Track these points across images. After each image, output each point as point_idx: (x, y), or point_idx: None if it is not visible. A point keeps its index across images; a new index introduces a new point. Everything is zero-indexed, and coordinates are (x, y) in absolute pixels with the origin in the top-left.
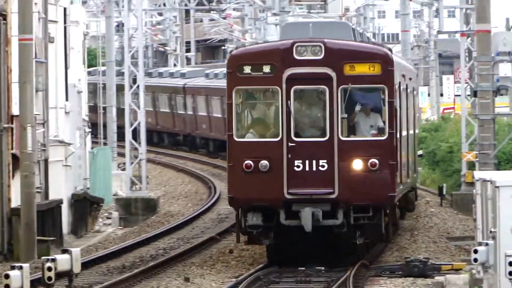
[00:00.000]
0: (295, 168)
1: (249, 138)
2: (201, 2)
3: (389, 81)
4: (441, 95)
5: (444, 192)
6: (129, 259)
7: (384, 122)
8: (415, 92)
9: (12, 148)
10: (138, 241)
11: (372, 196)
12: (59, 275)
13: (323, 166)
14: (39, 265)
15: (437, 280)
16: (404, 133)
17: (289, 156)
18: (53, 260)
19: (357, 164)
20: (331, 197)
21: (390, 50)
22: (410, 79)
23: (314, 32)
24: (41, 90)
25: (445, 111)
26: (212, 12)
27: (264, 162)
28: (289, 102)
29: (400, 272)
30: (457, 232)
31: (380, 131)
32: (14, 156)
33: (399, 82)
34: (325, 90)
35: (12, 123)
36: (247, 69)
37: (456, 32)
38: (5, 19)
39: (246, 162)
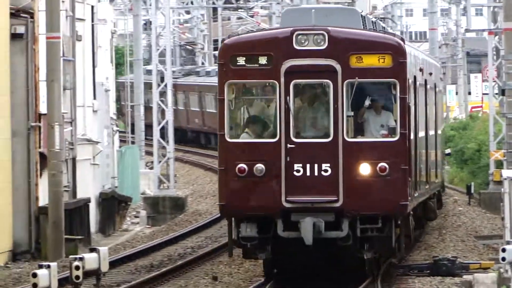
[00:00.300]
0: (295, 172)
1: (244, 138)
2: (229, 0)
3: (401, 75)
4: (469, 93)
5: (472, 191)
6: (157, 258)
7: (395, 121)
8: (437, 89)
9: (39, 147)
10: (166, 240)
11: (382, 204)
12: (87, 274)
13: (326, 171)
14: (66, 264)
15: (465, 279)
16: (421, 133)
17: (288, 159)
18: (81, 259)
19: (365, 169)
20: (335, 205)
21: (403, 39)
22: (431, 74)
23: (318, 19)
24: (68, 88)
25: (473, 109)
26: (239, 10)
27: (260, 166)
28: (288, 98)
29: (428, 271)
30: (485, 231)
31: (391, 131)
32: (41, 155)
33: (415, 77)
34: (328, 85)
35: (39, 122)
36: (241, 61)
37: (483, 30)
38: (32, 17)
39: (239, 165)
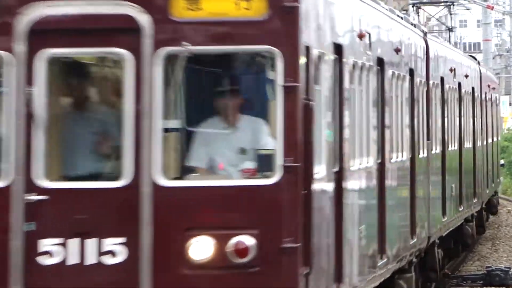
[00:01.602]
0: (42, 258)
1: None
2: None
3: (288, 37)
4: None
5: None
6: None
7: (274, 139)
8: (419, 80)
9: None
10: None
11: None
12: None
13: (114, 254)
14: None
15: None
16: (364, 163)
17: (28, 228)
18: None
19: (202, 249)
20: None
21: None
22: (398, 50)
23: None
24: None
25: None
26: None
27: None
28: (30, 89)
29: (481, 282)
30: None
31: (264, 162)
32: None
33: (339, 46)
34: (123, 59)
35: None
36: None
37: None
38: None
39: None
